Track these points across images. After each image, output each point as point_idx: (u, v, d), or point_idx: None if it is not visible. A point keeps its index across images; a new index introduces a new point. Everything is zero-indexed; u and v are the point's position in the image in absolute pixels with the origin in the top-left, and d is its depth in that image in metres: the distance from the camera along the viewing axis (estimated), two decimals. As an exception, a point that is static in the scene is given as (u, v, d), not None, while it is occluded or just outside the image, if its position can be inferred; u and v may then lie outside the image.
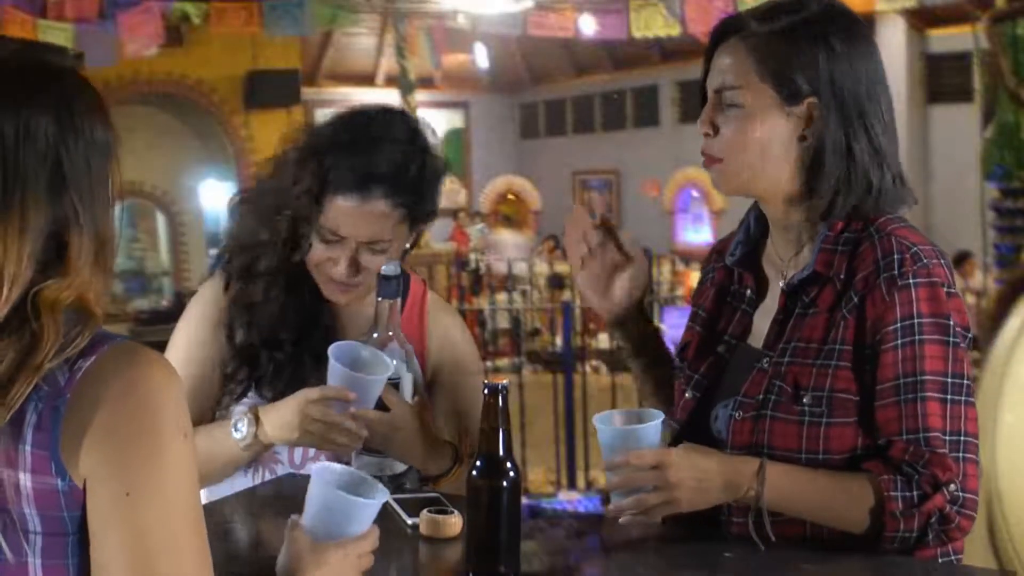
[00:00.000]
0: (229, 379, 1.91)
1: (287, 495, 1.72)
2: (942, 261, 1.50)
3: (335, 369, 1.73)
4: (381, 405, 1.76)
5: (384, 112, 1.91)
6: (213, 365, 1.91)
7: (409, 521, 1.60)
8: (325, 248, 1.84)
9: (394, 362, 1.75)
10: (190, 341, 1.92)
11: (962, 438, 1.46)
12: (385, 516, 1.61)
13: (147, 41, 9.25)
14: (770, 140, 1.55)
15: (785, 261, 1.62)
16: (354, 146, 1.83)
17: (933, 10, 10.29)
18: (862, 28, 1.58)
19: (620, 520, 1.51)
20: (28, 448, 1.04)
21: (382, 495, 1.30)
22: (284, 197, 1.85)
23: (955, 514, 1.44)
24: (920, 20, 11.16)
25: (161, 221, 13.21)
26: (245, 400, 1.90)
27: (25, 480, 1.04)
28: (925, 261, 1.48)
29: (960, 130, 9.62)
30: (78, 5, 8.91)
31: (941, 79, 11.42)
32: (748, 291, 1.66)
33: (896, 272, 1.47)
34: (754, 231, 1.68)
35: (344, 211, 1.81)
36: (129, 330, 10.01)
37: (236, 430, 1.77)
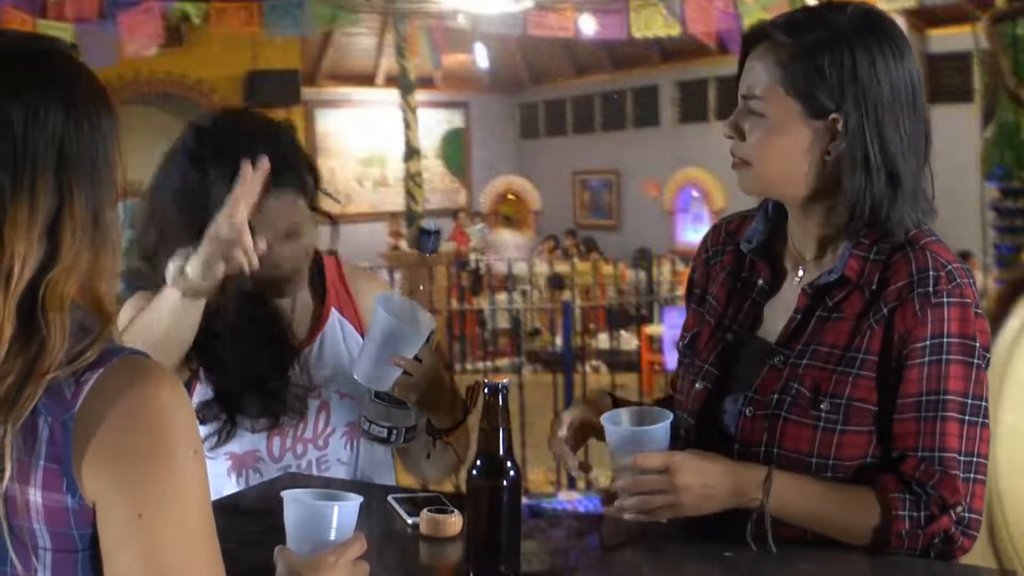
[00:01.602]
0: (205, 421, 1.88)
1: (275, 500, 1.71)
2: (971, 281, 1.51)
3: (381, 317, 1.77)
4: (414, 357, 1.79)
5: (244, 112, 1.99)
6: None
7: (409, 520, 1.61)
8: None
9: (413, 310, 1.80)
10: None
11: (975, 459, 1.47)
12: (385, 515, 1.64)
13: (147, 41, 9.25)
14: (793, 151, 1.54)
15: (807, 260, 1.61)
16: (242, 148, 1.79)
17: (933, 10, 10.29)
18: (891, 35, 1.54)
19: (626, 517, 1.51)
20: (42, 463, 1.03)
21: (354, 500, 1.30)
22: (191, 213, 1.80)
23: (959, 535, 1.46)
24: (920, 20, 11.15)
25: (121, 206, 13.16)
26: (232, 441, 1.89)
27: (35, 496, 1.04)
28: (959, 280, 1.49)
29: (960, 130, 9.60)
30: (78, 5, 8.91)
31: (941, 79, 11.41)
32: (760, 281, 1.64)
33: (931, 289, 1.48)
34: (772, 218, 1.66)
35: (260, 210, 1.77)
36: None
37: (170, 278, 1.73)
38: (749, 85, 1.56)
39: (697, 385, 1.63)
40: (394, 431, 1.85)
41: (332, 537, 1.26)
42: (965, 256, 9.16)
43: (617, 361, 8.15)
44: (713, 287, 1.69)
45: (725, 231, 1.74)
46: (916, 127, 1.53)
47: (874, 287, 1.51)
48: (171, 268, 1.74)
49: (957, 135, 10.00)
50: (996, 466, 3.59)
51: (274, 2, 9.72)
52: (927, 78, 12.11)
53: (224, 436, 1.89)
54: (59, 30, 8.62)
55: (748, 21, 9.26)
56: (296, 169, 1.89)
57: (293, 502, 1.29)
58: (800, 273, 1.61)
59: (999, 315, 3.97)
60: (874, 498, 1.47)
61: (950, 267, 1.50)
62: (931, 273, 1.48)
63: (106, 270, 1.10)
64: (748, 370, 1.59)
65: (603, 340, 9.61)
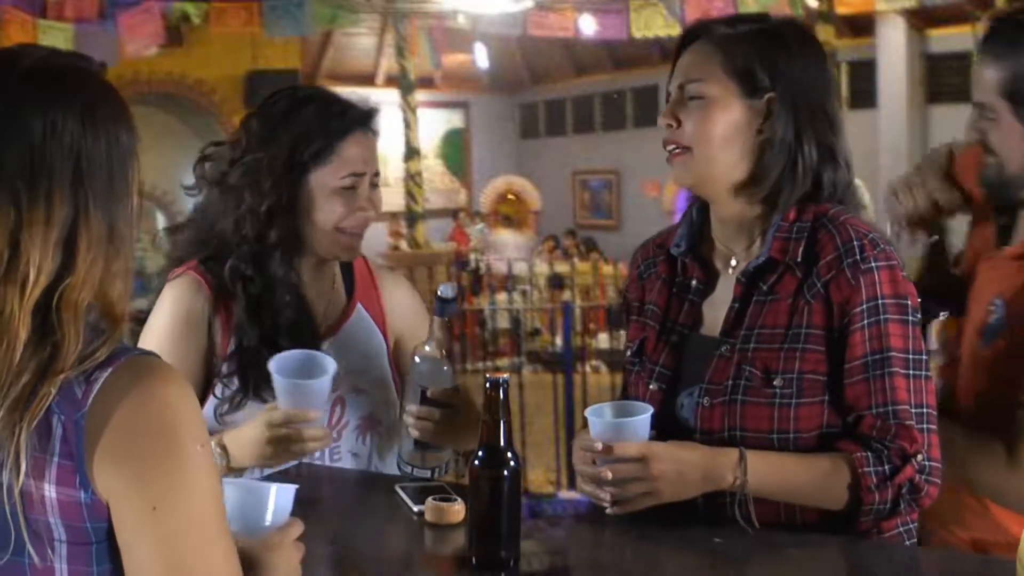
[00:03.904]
0: (225, 385, 1.93)
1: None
2: (892, 247, 1.61)
3: (281, 384, 1.81)
4: (446, 406, 1.88)
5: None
6: (187, 368, 1.92)
7: (415, 508, 1.68)
8: (347, 197, 1.95)
9: (446, 369, 1.90)
10: (163, 343, 1.92)
11: (924, 410, 1.56)
12: (392, 504, 1.74)
13: (147, 41, 9.26)
14: (730, 130, 1.64)
15: (736, 252, 1.70)
16: (330, 97, 1.99)
17: (933, 10, 10.29)
18: (816, 40, 1.73)
19: (607, 511, 1.58)
20: (56, 460, 1.08)
21: (290, 487, 1.32)
22: (276, 166, 1.91)
23: (924, 482, 1.55)
24: (920, 20, 11.16)
25: (161, 221, 13.22)
26: (243, 409, 1.93)
27: (50, 492, 1.08)
28: (882, 247, 1.59)
29: (960, 130, 9.59)
30: (78, 5, 8.91)
31: (941, 79, 11.41)
32: (694, 282, 1.73)
33: (859, 257, 1.57)
34: (696, 222, 1.76)
35: (360, 147, 1.96)
36: (129, 329, 10.02)
37: None
38: (686, 72, 1.67)
39: (651, 387, 1.71)
40: (435, 470, 1.95)
41: (268, 522, 1.28)
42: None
43: (617, 361, 8.13)
44: (651, 296, 1.77)
45: (653, 245, 1.84)
46: (831, 129, 1.65)
47: (801, 262, 1.60)
48: None
49: (957, 135, 10.00)
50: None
51: (274, 2, 9.73)
52: (927, 78, 12.18)
53: (233, 405, 1.92)
54: (59, 30, 8.63)
55: (748, 21, 9.24)
56: (374, 117, 2.02)
57: (231, 486, 1.31)
58: (732, 264, 1.70)
59: (999, 315, 3.96)
60: (840, 461, 1.55)
61: (871, 235, 1.60)
62: (855, 243, 1.58)
63: (118, 278, 1.15)
64: (697, 365, 1.66)
65: (603, 340, 9.60)
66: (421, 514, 1.66)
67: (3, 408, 1.07)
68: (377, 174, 2.00)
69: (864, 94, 11.80)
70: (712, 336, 1.67)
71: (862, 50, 11.66)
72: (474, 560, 1.48)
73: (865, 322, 1.56)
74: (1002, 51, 1.76)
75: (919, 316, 1.60)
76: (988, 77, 1.77)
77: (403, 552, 1.60)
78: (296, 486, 1.34)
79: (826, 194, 1.64)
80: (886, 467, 1.54)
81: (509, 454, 1.48)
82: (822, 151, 1.63)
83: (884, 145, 11.35)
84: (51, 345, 1.08)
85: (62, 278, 1.10)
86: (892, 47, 11.58)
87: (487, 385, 1.48)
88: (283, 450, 1.81)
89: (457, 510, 1.63)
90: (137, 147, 1.17)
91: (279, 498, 1.31)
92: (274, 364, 1.82)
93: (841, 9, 9.71)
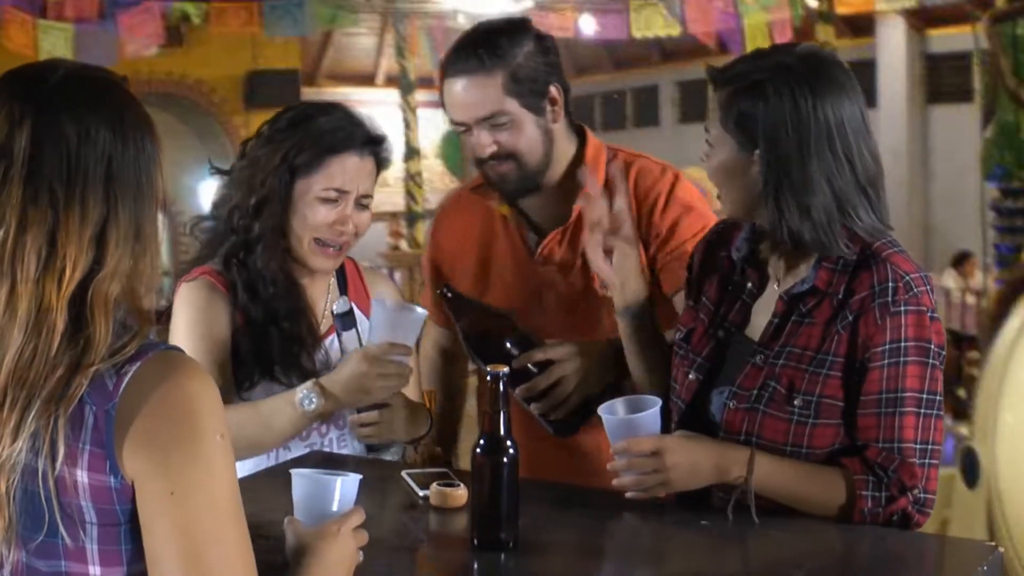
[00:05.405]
0: (241, 364, 2.02)
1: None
2: (928, 288, 1.67)
3: (383, 315, 1.94)
4: (382, 406, 2.00)
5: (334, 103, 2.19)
6: (222, 361, 2.02)
7: (420, 493, 1.78)
8: (327, 210, 2.01)
9: None
10: (188, 344, 1.97)
11: (930, 447, 1.65)
12: (399, 489, 1.83)
13: (147, 41, 9.26)
14: (728, 178, 1.72)
15: (783, 269, 1.75)
16: (342, 115, 2.06)
17: (933, 10, 10.31)
18: (814, 78, 1.67)
19: (626, 495, 1.67)
20: (88, 447, 1.16)
21: (354, 476, 1.42)
22: (269, 166, 1.99)
23: (915, 512, 1.65)
24: (920, 20, 11.18)
25: (161, 221, 13.16)
26: (257, 387, 2.03)
27: (83, 477, 1.16)
28: (915, 290, 1.65)
29: (960, 130, 9.62)
30: (78, 5, 8.91)
31: (941, 79, 11.44)
32: (749, 284, 1.79)
33: (889, 299, 1.64)
34: (758, 230, 1.79)
35: (348, 166, 2.01)
36: (156, 330, 10.00)
37: (306, 403, 1.91)
38: (706, 124, 1.75)
39: (690, 376, 1.79)
40: (390, 450, 2.12)
41: (335, 508, 1.38)
42: (965, 256, 9.18)
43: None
44: (709, 292, 1.84)
45: (720, 235, 1.87)
46: (828, 163, 1.65)
47: (840, 296, 1.67)
48: (304, 389, 1.92)
49: (957, 135, 10.02)
50: (996, 466, 3.59)
51: (274, 2, 9.74)
52: (927, 78, 12.17)
53: (247, 386, 2.02)
54: (59, 30, 8.64)
55: (748, 21, 9.27)
56: (379, 143, 2.08)
57: (300, 476, 1.40)
58: (779, 280, 1.76)
59: (999, 315, 3.97)
60: (842, 479, 1.64)
61: (908, 277, 1.65)
62: (890, 284, 1.64)
63: (145, 275, 1.23)
64: (733, 366, 1.75)
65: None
66: (426, 498, 1.75)
67: (40, 400, 1.15)
68: (367, 196, 2.06)
69: (864, 94, 11.80)
70: (753, 340, 1.75)
71: (862, 50, 11.68)
72: (476, 541, 1.58)
73: (885, 362, 1.63)
74: (493, 61, 2.05)
75: (942, 358, 1.67)
76: (489, 88, 2.03)
77: (409, 534, 1.68)
78: (360, 476, 1.42)
79: (816, 233, 1.66)
80: (883, 494, 1.62)
81: (508, 443, 1.57)
82: (801, 209, 1.65)
83: (884, 145, 11.28)
84: (83, 340, 1.16)
85: (94, 272, 1.18)
86: (892, 47, 11.60)
87: (488, 378, 1.56)
88: (383, 385, 1.92)
89: (460, 495, 1.72)
90: (160, 156, 1.26)
91: (344, 488, 1.39)
92: (375, 303, 1.98)
93: (841, 9, 9.72)
